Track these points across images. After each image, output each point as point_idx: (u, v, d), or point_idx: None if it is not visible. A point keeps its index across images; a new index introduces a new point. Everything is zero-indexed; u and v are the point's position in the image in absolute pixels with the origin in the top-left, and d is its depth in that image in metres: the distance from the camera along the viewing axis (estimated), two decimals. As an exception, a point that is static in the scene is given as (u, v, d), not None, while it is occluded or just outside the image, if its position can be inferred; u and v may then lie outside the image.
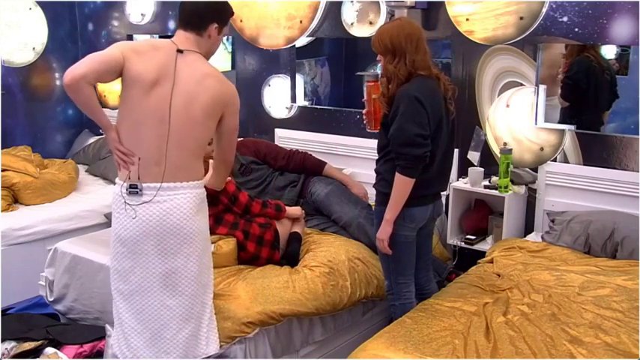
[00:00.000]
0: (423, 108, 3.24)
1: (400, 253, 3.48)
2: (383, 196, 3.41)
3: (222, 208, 3.95)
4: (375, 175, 3.55)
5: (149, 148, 2.99)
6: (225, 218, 3.93)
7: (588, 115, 4.38)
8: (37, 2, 6.42)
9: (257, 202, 4.08)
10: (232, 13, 3.25)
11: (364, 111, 3.61)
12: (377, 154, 3.52)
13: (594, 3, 4.13)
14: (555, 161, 4.44)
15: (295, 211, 4.26)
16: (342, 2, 5.10)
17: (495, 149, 4.63)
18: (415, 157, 3.23)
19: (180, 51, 3.01)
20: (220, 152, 3.24)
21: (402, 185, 3.30)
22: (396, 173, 3.29)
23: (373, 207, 4.45)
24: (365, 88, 3.59)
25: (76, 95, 2.88)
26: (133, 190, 3.01)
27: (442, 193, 3.69)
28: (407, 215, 3.39)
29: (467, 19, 4.54)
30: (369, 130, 3.64)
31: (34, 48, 6.45)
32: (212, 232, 3.82)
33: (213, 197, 3.88)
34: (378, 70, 3.50)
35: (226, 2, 3.20)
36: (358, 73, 3.64)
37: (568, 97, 4.39)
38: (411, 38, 3.31)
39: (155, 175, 3.00)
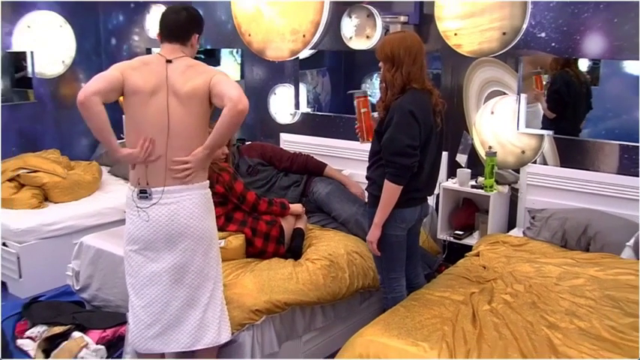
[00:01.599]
0: (415, 121, 3.19)
1: (392, 252, 3.45)
2: (375, 199, 3.36)
3: (231, 207, 3.95)
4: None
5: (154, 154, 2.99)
6: (234, 217, 3.94)
7: (568, 123, 4.37)
8: (67, 20, 6.45)
9: (264, 200, 4.08)
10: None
11: (356, 126, 3.57)
12: (368, 161, 3.48)
13: (569, 21, 4.14)
14: (535, 163, 4.44)
15: (297, 208, 4.26)
16: (341, 18, 5.10)
17: (481, 152, 4.63)
18: (404, 166, 3.20)
19: (169, 61, 3.00)
20: (222, 99, 2.90)
21: (390, 191, 3.26)
22: (385, 180, 3.25)
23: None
24: (355, 104, 3.55)
25: (88, 112, 2.85)
26: (143, 195, 3.00)
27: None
28: (398, 216, 3.36)
29: (455, 34, 4.54)
30: (361, 143, 3.59)
31: (63, 61, 6.48)
32: (223, 229, 3.82)
33: (223, 197, 3.88)
34: (376, 79, 3.47)
35: (199, 13, 3.20)
36: (349, 92, 3.63)
37: (554, 109, 4.38)
38: (409, 50, 3.25)
39: (161, 180, 2.99)
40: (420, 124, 3.21)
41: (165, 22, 3.11)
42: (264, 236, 3.91)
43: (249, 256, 3.89)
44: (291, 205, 4.22)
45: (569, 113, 4.37)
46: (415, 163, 3.21)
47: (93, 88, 2.85)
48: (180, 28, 3.08)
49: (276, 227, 3.97)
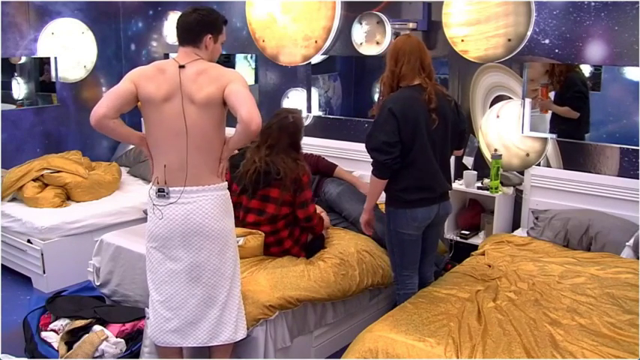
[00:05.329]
0: (394, 118, 3.20)
1: (404, 250, 3.46)
2: (388, 199, 3.43)
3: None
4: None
5: (171, 157, 2.98)
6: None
7: (579, 124, 4.32)
8: (89, 27, 6.52)
9: (317, 215, 4.00)
10: (225, 22, 3.16)
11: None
12: None
13: (571, 28, 4.15)
14: (539, 165, 4.44)
15: (327, 220, 4.24)
16: (352, 24, 5.12)
17: (487, 155, 4.64)
18: (379, 162, 3.25)
19: (182, 66, 2.97)
20: (235, 112, 2.88)
21: (374, 183, 3.36)
22: (370, 172, 3.35)
23: (379, 205, 4.47)
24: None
25: (104, 131, 2.95)
26: (161, 193, 3.01)
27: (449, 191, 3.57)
28: (410, 216, 3.36)
29: (462, 40, 4.55)
30: None
31: (85, 66, 6.55)
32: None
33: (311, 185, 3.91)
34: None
35: (215, 14, 3.12)
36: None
37: (580, 108, 4.29)
38: (391, 53, 3.33)
39: (179, 180, 2.99)
40: (399, 121, 3.20)
41: (177, 26, 3.09)
42: (294, 240, 3.90)
43: (273, 254, 3.87)
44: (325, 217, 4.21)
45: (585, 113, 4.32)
46: (388, 161, 3.22)
47: (102, 110, 2.88)
48: (190, 30, 3.03)
49: (306, 235, 3.97)
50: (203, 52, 3.05)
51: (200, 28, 3.04)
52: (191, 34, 3.04)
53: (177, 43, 3.13)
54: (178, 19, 3.09)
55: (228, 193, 3.16)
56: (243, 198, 3.89)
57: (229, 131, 3.00)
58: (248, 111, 2.80)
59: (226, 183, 3.15)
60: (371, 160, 3.31)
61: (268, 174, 3.76)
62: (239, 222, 3.82)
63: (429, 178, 3.37)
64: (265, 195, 3.80)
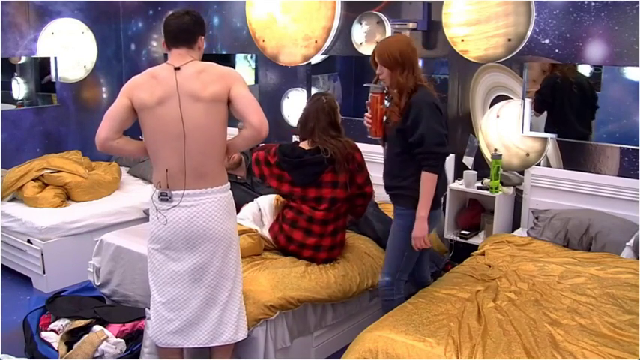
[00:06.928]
0: (441, 113, 3.24)
1: (415, 253, 3.39)
2: (414, 200, 3.26)
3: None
4: (395, 181, 3.38)
5: (171, 160, 2.97)
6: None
7: (572, 124, 4.37)
8: (89, 27, 6.52)
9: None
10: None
11: (368, 119, 3.39)
12: (392, 162, 3.39)
13: (571, 28, 4.16)
14: (539, 165, 4.44)
15: None
16: (352, 24, 5.12)
17: (487, 155, 4.64)
18: (443, 155, 3.22)
19: (177, 68, 2.97)
20: (242, 117, 2.93)
21: (431, 183, 3.20)
22: (425, 173, 3.17)
23: (379, 205, 4.46)
24: (370, 98, 3.38)
25: (112, 153, 3.11)
26: (163, 197, 3.00)
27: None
28: (436, 217, 3.37)
29: (462, 40, 4.55)
30: (370, 136, 3.46)
31: (85, 66, 6.55)
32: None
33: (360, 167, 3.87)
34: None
35: (201, 15, 3.15)
36: (365, 84, 3.50)
37: (538, 109, 4.43)
38: (415, 52, 3.28)
39: (181, 183, 2.98)
40: (443, 115, 3.26)
41: (169, 28, 3.07)
42: (330, 245, 3.85)
43: (306, 245, 3.84)
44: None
45: (561, 114, 4.38)
46: (448, 153, 3.25)
47: (103, 135, 2.98)
48: (185, 31, 3.04)
49: (339, 251, 3.94)
50: (195, 53, 3.07)
51: (195, 29, 3.07)
52: (187, 34, 3.05)
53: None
54: (170, 22, 3.08)
55: (231, 194, 3.15)
56: (296, 189, 3.85)
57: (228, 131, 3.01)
58: (258, 118, 2.88)
59: (229, 184, 3.14)
60: (431, 157, 3.17)
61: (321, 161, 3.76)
62: (294, 212, 3.84)
63: (445, 174, 3.44)
64: (319, 181, 3.77)
